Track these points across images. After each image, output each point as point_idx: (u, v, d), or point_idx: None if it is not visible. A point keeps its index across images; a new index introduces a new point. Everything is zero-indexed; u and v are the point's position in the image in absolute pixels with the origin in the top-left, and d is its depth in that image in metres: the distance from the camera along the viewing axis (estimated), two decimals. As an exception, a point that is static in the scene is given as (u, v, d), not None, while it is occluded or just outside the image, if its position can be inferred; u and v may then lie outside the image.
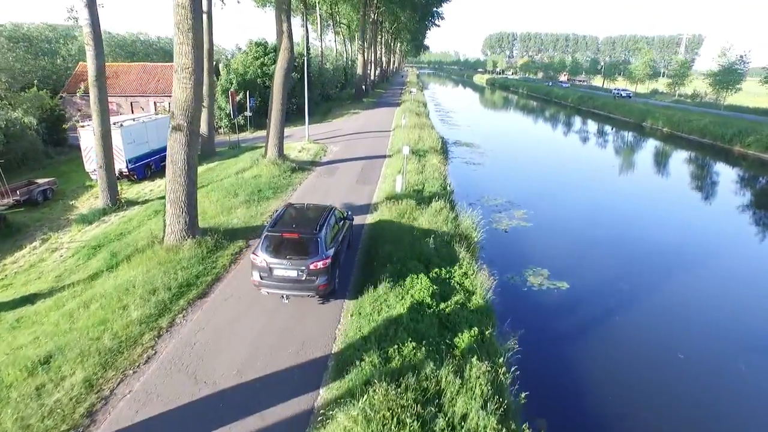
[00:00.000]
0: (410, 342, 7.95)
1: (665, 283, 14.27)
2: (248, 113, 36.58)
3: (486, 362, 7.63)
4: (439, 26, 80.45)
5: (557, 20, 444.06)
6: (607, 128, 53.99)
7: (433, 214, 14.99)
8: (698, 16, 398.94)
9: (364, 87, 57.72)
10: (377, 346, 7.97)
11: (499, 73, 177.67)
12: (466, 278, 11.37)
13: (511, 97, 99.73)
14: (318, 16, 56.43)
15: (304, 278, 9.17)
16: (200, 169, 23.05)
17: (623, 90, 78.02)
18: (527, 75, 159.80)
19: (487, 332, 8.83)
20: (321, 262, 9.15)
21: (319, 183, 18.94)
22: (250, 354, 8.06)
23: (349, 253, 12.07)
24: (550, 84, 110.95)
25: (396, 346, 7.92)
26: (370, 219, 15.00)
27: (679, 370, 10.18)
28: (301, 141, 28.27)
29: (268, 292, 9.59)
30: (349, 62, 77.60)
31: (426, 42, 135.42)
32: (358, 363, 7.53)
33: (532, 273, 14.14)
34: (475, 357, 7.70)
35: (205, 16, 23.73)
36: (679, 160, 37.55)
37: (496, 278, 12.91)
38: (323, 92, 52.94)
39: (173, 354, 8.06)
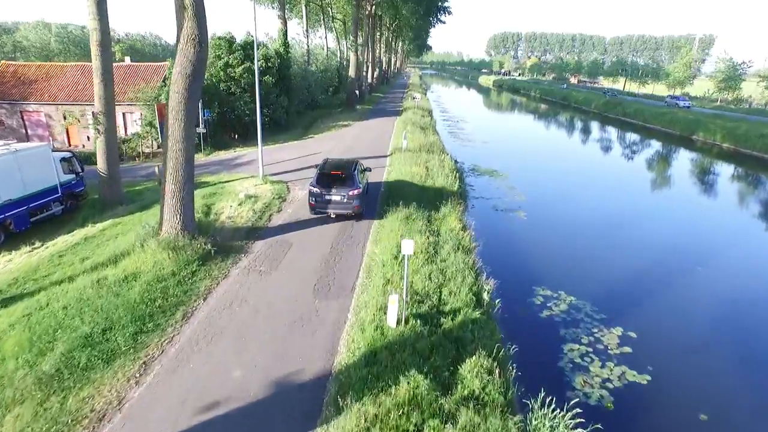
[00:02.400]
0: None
1: None
2: (201, 130, 27.83)
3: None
4: (444, 23, 71.51)
5: (561, 20, 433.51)
6: (657, 144, 44.76)
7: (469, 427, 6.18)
8: (703, 17, 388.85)
9: (358, 92, 48.83)
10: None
11: (505, 74, 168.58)
12: None
13: (523, 101, 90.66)
14: (303, 7, 47.59)
15: (345, 201, 13.92)
16: (71, 239, 14.23)
17: None
18: (535, 76, 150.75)
19: None
20: (356, 190, 14.01)
21: (241, 296, 9.95)
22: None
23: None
24: (566, 86, 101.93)
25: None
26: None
27: None
28: (253, 178, 19.44)
29: (321, 212, 14.26)
30: (344, 62, 68.80)
31: (429, 42, 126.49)
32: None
33: None
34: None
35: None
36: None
37: None
38: (309, 99, 44.09)
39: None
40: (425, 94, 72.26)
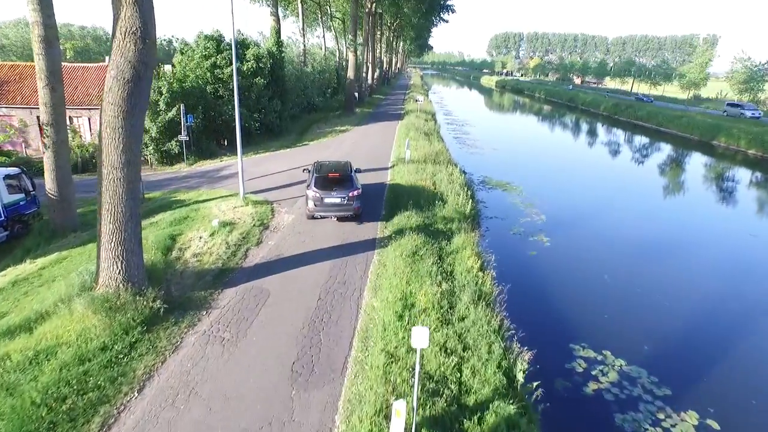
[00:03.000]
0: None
1: None
2: (183, 137, 25.20)
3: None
4: (447, 21, 68.53)
5: (562, 20, 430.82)
6: (677, 150, 41.92)
7: None
8: (705, 17, 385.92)
9: (357, 94, 46.17)
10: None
11: (507, 75, 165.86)
12: None
13: (528, 102, 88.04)
14: (299, 4, 44.94)
15: (345, 203, 13.66)
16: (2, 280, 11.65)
17: None
18: (538, 77, 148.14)
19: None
20: (356, 192, 13.77)
21: (192, 382, 7.03)
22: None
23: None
24: (571, 87, 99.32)
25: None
26: None
27: None
28: (234, 197, 16.77)
29: (321, 216, 13.95)
30: (343, 63, 66.18)
31: (430, 41, 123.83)
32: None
33: None
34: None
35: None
36: None
37: None
38: (304, 101, 41.45)
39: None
40: (427, 96, 69.64)
